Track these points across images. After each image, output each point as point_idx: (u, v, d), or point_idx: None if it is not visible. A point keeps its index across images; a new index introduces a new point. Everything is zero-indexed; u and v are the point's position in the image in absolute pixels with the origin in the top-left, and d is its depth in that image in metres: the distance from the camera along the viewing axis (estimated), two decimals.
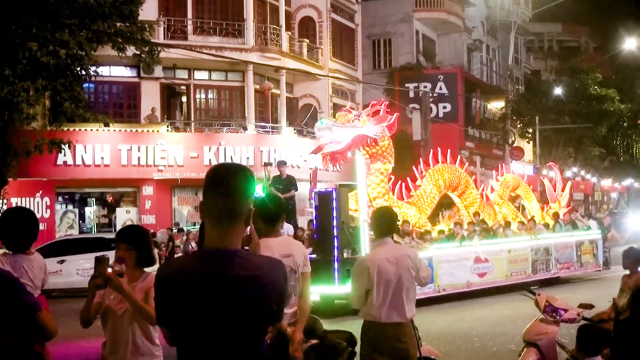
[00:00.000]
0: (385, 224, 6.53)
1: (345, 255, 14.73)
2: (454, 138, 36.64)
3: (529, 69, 56.63)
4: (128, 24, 23.85)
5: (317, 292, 14.33)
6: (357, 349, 7.21)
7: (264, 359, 3.08)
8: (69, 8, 21.39)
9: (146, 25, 25.12)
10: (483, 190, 21.43)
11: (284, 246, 5.86)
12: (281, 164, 18.74)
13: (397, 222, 7.48)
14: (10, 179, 23.29)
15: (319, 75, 34.27)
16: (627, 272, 9.20)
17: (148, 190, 27.14)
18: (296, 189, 18.49)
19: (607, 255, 24.01)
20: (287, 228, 15.90)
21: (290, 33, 33.07)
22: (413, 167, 20.12)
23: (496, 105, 42.71)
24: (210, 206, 3.02)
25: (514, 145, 42.02)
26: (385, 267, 6.11)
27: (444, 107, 37.46)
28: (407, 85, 36.74)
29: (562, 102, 45.51)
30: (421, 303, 11.33)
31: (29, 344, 4.14)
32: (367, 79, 38.16)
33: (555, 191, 23.93)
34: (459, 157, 33.08)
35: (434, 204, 19.02)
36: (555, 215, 22.00)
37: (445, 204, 21.21)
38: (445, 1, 40.61)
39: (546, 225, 21.05)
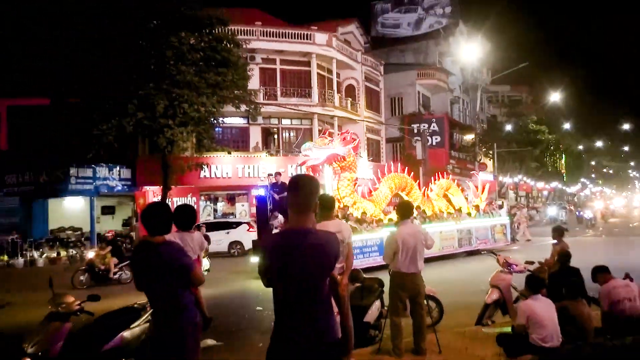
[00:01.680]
0: (405, 211, 6.62)
1: None
2: (442, 158, 36.35)
3: (489, 113, 55.84)
4: (241, 91, 24.17)
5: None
6: (385, 289, 7.25)
7: (326, 295, 3.15)
8: (206, 83, 21.81)
9: (252, 91, 25.49)
10: (424, 190, 20.02)
11: (336, 226, 5.91)
12: (277, 174, 17.16)
13: (413, 211, 7.43)
14: (172, 186, 23.75)
15: (358, 120, 34.27)
16: (555, 242, 9.04)
17: (254, 192, 27.33)
18: (287, 191, 17.41)
19: (514, 235, 23.16)
20: (280, 218, 15.16)
21: (340, 95, 33.13)
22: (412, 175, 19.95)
23: (469, 137, 42.08)
24: (292, 201, 3.16)
25: (480, 162, 41.33)
26: (407, 239, 6.27)
27: (436, 138, 37.04)
28: (412, 125, 36.48)
29: (511, 134, 45.00)
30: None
31: (187, 286, 4.23)
32: (387, 122, 37.98)
33: (477, 190, 22.76)
34: (447, 169, 33.12)
35: (388, 200, 18.10)
36: (476, 207, 20.81)
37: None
38: (436, 72, 40.31)
39: (469, 214, 20.02)
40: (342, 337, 5.98)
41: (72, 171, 23.62)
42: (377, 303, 7.20)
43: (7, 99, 26.49)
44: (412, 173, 19.80)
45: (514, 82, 60.12)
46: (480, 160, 41.60)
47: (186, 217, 5.94)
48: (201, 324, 4.50)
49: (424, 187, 20.53)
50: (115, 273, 14.93)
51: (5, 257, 21.14)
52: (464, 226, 18.82)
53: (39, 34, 20.53)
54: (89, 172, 24.28)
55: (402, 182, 18.68)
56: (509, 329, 6.39)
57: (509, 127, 45.35)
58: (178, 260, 4.10)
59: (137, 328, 5.73)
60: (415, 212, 18.10)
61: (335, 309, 5.86)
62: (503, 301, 7.73)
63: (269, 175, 18.18)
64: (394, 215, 18.28)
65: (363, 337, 6.80)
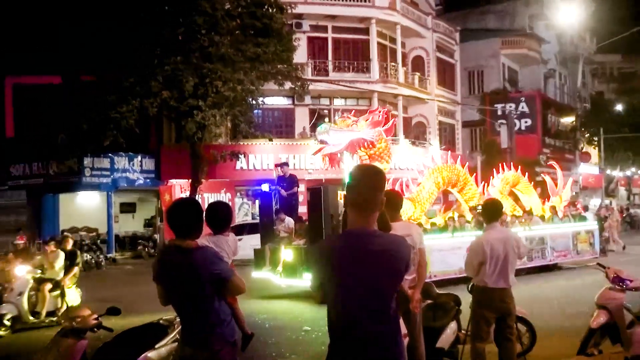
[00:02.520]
0: (493, 212, 6.49)
1: None
2: (533, 146, 35.73)
3: (594, 90, 54.22)
4: (285, 66, 24.28)
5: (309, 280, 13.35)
6: (463, 307, 7.14)
7: (393, 313, 3.10)
8: (243, 56, 21.99)
9: (298, 66, 25.62)
10: (484, 186, 18.82)
11: (405, 228, 5.87)
12: (284, 165, 16.88)
13: (502, 211, 7.25)
14: (203, 180, 24.14)
15: (427, 99, 33.96)
16: None
17: (301, 187, 27.45)
18: (297, 187, 16.39)
19: (605, 244, 21.45)
20: (288, 221, 14.80)
21: (405, 68, 32.87)
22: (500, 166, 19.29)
23: (567, 120, 41.11)
24: (352, 197, 3.11)
25: (582, 151, 40.28)
26: (495, 246, 6.13)
27: (526, 122, 36.39)
28: (495, 105, 35.89)
29: (622, 116, 43.52)
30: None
31: (225, 298, 4.25)
32: (464, 101, 37.47)
33: (556, 187, 21.19)
34: (539, 160, 32.54)
35: (433, 199, 17.06)
36: (552, 209, 19.46)
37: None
38: (525, 40, 39.46)
39: (542, 217, 18.72)
40: None
41: (87, 161, 24.29)
42: (453, 325, 7.09)
43: (13, 77, 27.47)
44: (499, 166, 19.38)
45: (626, 50, 57.84)
46: (583, 148, 40.59)
47: (221, 217, 6.00)
48: (239, 342, 4.50)
49: (483, 183, 19.56)
50: None
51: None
52: (535, 233, 17.38)
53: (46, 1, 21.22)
54: (105, 163, 24.94)
55: (453, 175, 17.60)
56: None
57: (619, 107, 43.93)
58: (215, 269, 4.11)
59: (164, 348, 5.81)
60: (456, 217, 17.21)
61: (404, 330, 5.86)
62: (613, 325, 7.48)
63: (276, 166, 17.68)
64: (439, 219, 17.60)
65: None
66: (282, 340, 9.44)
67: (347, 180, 3.21)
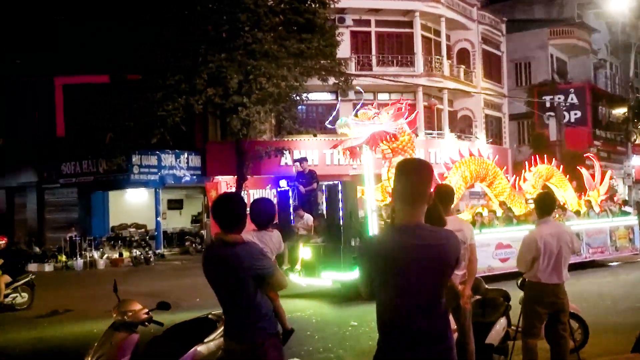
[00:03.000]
0: (546, 206, 6.37)
1: (352, 243, 12.28)
2: (583, 138, 34.94)
3: None
4: (329, 61, 24.29)
5: (328, 277, 12.87)
6: (511, 303, 7.04)
7: (443, 309, 3.09)
8: (286, 52, 22.08)
9: (342, 61, 25.56)
10: (515, 180, 18.28)
11: (456, 223, 5.83)
12: (303, 160, 16.46)
13: (555, 205, 7.10)
14: (248, 176, 24.33)
15: (473, 92, 33.54)
16: None
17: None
18: (317, 182, 15.84)
19: None
20: (307, 218, 14.34)
21: (450, 61, 32.51)
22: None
23: (619, 111, 40.04)
24: (401, 191, 3.09)
25: (635, 143, 39.23)
26: (549, 241, 6.01)
27: (575, 114, 35.63)
28: (544, 97, 35.21)
29: None
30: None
31: (266, 293, 4.31)
32: (511, 94, 36.84)
33: (594, 181, 20.24)
34: (589, 152, 31.72)
35: (460, 194, 16.26)
36: (588, 203, 18.70)
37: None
38: (574, 30, 38.60)
39: (577, 213, 18.01)
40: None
41: (135, 159, 24.77)
42: (503, 321, 6.99)
43: (62, 77, 28.12)
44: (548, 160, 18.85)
45: None
46: (635, 140, 39.47)
47: (264, 213, 6.07)
48: (280, 337, 4.55)
49: (515, 177, 18.91)
50: (6, 295, 13.25)
51: (64, 258, 22.59)
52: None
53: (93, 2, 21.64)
54: (153, 160, 25.38)
55: (482, 169, 16.86)
56: None
57: None
58: (257, 265, 4.19)
59: (213, 342, 5.89)
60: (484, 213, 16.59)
61: (453, 326, 5.81)
62: None
63: (294, 161, 17.22)
64: (465, 216, 16.34)
65: None
66: (329, 335, 9.46)
67: (397, 172, 3.17)
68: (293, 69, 22.67)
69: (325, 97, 29.26)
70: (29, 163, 28.71)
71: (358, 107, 14.13)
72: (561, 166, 19.97)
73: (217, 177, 26.81)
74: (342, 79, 25.29)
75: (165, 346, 5.96)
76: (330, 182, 13.79)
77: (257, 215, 5.94)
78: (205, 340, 6.04)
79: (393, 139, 13.47)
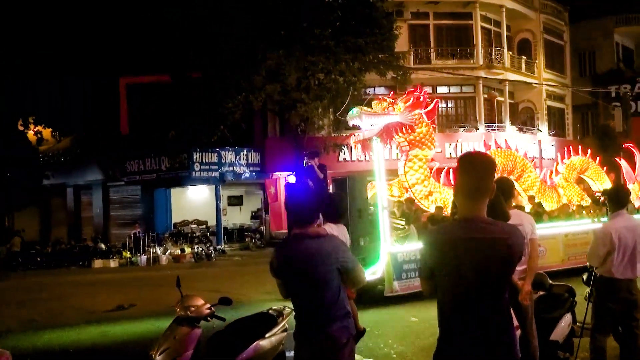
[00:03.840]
0: (620, 198, 6.16)
1: (362, 243, 11.52)
2: None
3: None
4: (387, 55, 24.16)
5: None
6: (576, 299, 6.88)
7: (505, 303, 3.06)
8: (344, 47, 22.08)
9: (400, 55, 25.36)
10: (547, 173, 17.35)
11: (516, 217, 5.71)
12: (313, 154, 15.78)
13: (630, 198, 6.86)
14: None
15: (535, 84, 32.87)
16: None
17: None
18: (325, 177, 15.18)
19: None
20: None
21: (510, 52, 31.92)
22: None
23: None
24: (463, 185, 3.08)
25: None
26: (624, 234, 5.81)
27: None
28: (609, 87, 34.15)
29: None
30: None
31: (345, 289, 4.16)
32: (574, 84, 35.91)
33: (635, 172, 18.93)
34: None
35: None
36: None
37: None
38: None
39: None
40: (524, 357, 5.78)
41: (196, 156, 25.18)
42: (568, 317, 6.84)
43: (126, 77, 28.91)
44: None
45: None
46: None
47: (341, 206, 6.08)
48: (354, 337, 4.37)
49: (547, 170, 17.92)
50: None
51: (128, 254, 23.21)
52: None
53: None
54: (213, 157, 25.75)
55: (509, 162, 15.80)
56: None
57: None
58: (343, 257, 4.02)
59: (274, 337, 5.96)
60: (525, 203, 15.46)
61: (515, 323, 5.71)
62: None
63: (305, 154, 16.58)
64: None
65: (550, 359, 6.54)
66: (389, 331, 9.42)
67: (459, 166, 3.12)
68: (351, 64, 22.65)
69: (383, 91, 29.09)
70: (95, 162, 29.58)
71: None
72: (597, 158, 18.90)
73: (276, 173, 27.00)
74: (400, 72, 25.12)
75: (227, 341, 6.06)
76: (339, 177, 12.81)
77: (335, 209, 5.91)
78: (267, 335, 6.12)
79: (409, 130, 12.73)
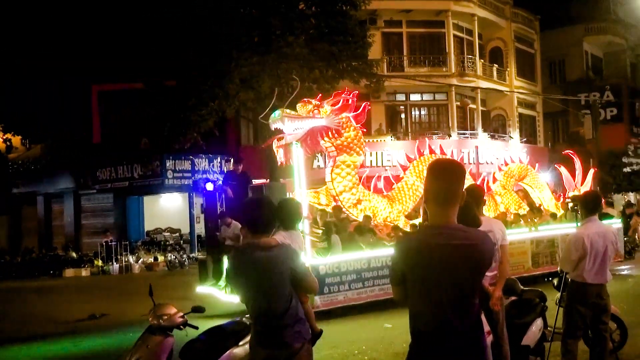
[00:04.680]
0: (592, 205, 6.27)
1: None
2: (620, 136, 34.32)
3: None
4: (360, 63, 24.25)
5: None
6: (547, 303, 6.96)
7: (476, 309, 3.06)
8: (318, 55, 22.13)
9: (373, 62, 25.45)
10: (483, 181, 16.50)
11: (486, 223, 5.74)
12: (238, 161, 14.89)
13: (601, 204, 6.90)
14: (281, 179, 24.35)
15: (506, 91, 33.24)
16: None
17: (379, 184, 27.13)
18: (250, 183, 13.56)
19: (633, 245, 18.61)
20: (234, 226, 12.05)
21: (482, 60, 32.26)
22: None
23: None
24: (432, 191, 3.08)
25: None
26: (595, 240, 5.92)
27: (611, 111, 35.04)
28: (579, 95, 34.66)
29: None
30: None
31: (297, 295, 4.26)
32: (545, 92, 36.38)
33: (574, 180, 18.27)
34: (626, 150, 31.23)
35: (417, 197, 14.22)
36: (564, 206, 16.33)
37: None
38: (610, 26, 37.95)
39: (553, 216, 16.49)
40: None
41: (169, 164, 24.99)
42: (539, 322, 6.90)
43: (97, 85, 28.63)
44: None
45: None
46: None
47: (294, 213, 6.08)
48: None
49: (483, 177, 17.27)
50: None
51: (100, 262, 22.98)
52: (543, 234, 14.66)
53: (126, 7, 21.92)
54: (186, 165, 25.59)
55: None
56: None
57: None
58: (294, 265, 4.18)
59: (248, 345, 5.94)
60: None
61: (486, 328, 5.76)
62: None
63: (227, 161, 15.06)
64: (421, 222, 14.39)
65: None
66: (362, 338, 9.44)
67: (429, 173, 3.13)
68: (325, 71, 22.67)
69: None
70: (66, 170, 29.20)
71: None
72: (536, 165, 18.74)
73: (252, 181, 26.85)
74: (374, 80, 25.22)
75: (201, 349, 6.04)
76: (256, 184, 11.62)
77: (286, 215, 5.94)
78: (240, 343, 6.09)
79: (336, 134, 12.04)
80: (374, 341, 9.10)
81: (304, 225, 10.15)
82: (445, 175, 3.08)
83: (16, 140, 30.50)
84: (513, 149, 30.99)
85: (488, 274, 5.65)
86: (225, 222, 12.45)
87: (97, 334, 11.03)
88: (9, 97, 26.63)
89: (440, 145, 16.65)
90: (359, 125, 12.69)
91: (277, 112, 11.46)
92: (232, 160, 14.31)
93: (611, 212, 18.19)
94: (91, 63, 25.47)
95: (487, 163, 27.59)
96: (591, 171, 19.45)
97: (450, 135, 29.81)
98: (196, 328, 6.20)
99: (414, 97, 30.79)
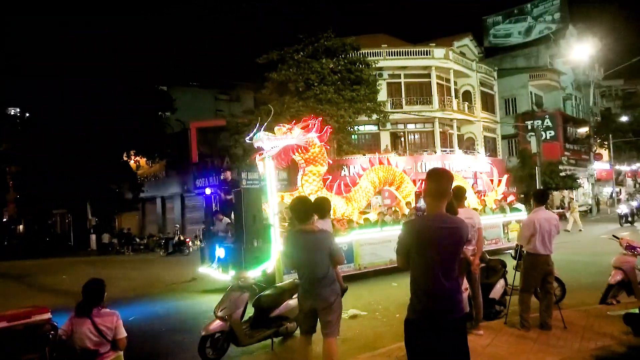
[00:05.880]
0: (541, 197, 6.10)
1: (255, 244, 9.62)
2: (556, 150, 33.41)
3: (602, 107, 49.79)
4: (372, 103, 24.22)
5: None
6: (508, 269, 6.77)
7: (457, 272, 3.04)
8: (343, 98, 22.16)
9: (381, 103, 25.37)
10: (422, 184, 14.42)
11: (469, 212, 5.74)
12: (226, 169, 13.34)
13: (548, 197, 6.72)
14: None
15: (474, 120, 32.68)
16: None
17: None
18: (237, 188, 11.85)
19: None
20: (225, 221, 11.32)
21: (457, 100, 31.78)
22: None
23: (583, 130, 38.17)
24: (430, 189, 3.06)
25: (596, 152, 37.22)
26: (543, 223, 5.76)
27: (550, 133, 34.03)
28: (526, 122, 33.86)
29: (627, 125, 39.86)
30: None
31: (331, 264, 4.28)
32: (502, 121, 35.69)
33: (492, 184, 17.45)
34: (561, 161, 30.26)
35: (369, 197, 13.61)
36: (483, 202, 15.60)
37: None
38: (548, 73, 37.11)
39: (474, 209, 14.90)
40: (473, 310, 5.70)
41: (243, 175, 25.05)
42: (502, 282, 6.73)
43: (195, 122, 29.14)
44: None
45: (628, 75, 53.08)
46: (596, 150, 37.50)
47: (327, 206, 6.06)
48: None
49: (421, 181, 15.27)
50: None
51: (198, 243, 23.16)
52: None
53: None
54: (256, 175, 25.57)
55: (389, 175, 14.09)
56: (635, 310, 5.60)
57: (624, 119, 40.27)
58: (332, 245, 4.20)
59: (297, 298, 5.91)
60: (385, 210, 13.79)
61: (465, 285, 5.63)
62: (628, 282, 6.83)
63: (222, 169, 14.09)
64: (372, 216, 13.50)
65: (489, 312, 6.44)
66: (376, 292, 9.32)
67: (427, 178, 3.08)
68: (348, 110, 22.67)
69: (370, 128, 29.11)
70: (175, 180, 29.74)
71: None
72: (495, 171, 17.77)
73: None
74: (382, 115, 25.21)
75: (267, 301, 6.03)
76: (237, 189, 10.61)
77: (322, 208, 5.88)
78: (293, 297, 6.09)
79: (304, 150, 11.45)
80: (386, 295, 8.99)
81: (274, 220, 9.52)
82: (440, 179, 3.07)
83: (142, 161, 31.11)
84: (480, 161, 30.49)
85: (469, 247, 5.53)
86: (218, 218, 11.66)
87: (194, 292, 11.04)
88: (137, 132, 27.13)
89: (387, 158, 15.18)
90: (322, 143, 11.77)
91: (258, 134, 10.53)
92: (223, 170, 12.92)
93: (518, 207, 16.17)
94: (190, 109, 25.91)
95: (462, 170, 27.10)
96: (505, 177, 18.46)
97: (435, 152, 29.42)
98: (264, 287, 6.18)
99: (410, 126, 30.48)
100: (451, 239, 2.95)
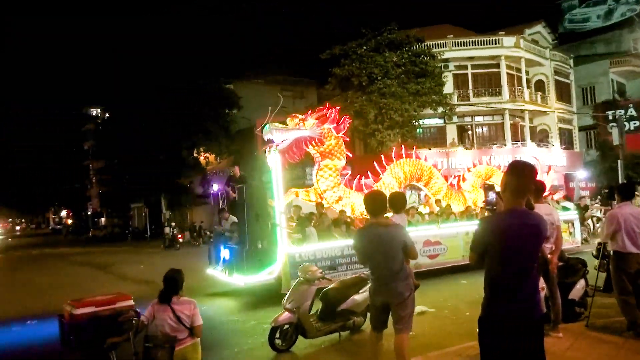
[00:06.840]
0: (627, 191, 5.66)
1: (259, 246, 8.72)
2: None
3: None
4: (438, 96, 23.69)
5: (239, 280, 8.92)
6: (589, 269, 6.39)
7: (535, 271, 2.89)
8: (407, 92, 21.86)
9: (447, 95, 24.73)
10: (454, 179, 14.05)
11: (547, 208, 5.46)
12: (236, 166, 12.02)
13: (634, 192, 6.14)
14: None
15: (548, 111, 31.00)
16: None
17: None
18: (245, 184, 10.60)
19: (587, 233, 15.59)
20: (231, 220, 10.54)
21: (529, 90, 30.28)
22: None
23: None
24: (511, 185, 2.88)
25: None
26: (628, 218, 5.34)
27: (634, 123, 31.59)
28: (607, 112, 31.64)
29: None
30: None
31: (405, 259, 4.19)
32: (580, 111, 33.59)
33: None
34: None
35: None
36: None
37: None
38: (631, 59, 34.41)
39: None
40: (551, 311, 5.41)
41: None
42: (582, 282, 6.35)
43: (261, 119, 29.74)
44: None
45: None
46: None
47: (401, 200, 5.97)
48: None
49: (454, 176, 14.55)
50: None
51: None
52: None
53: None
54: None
55: (416, 170, 12.78)
56: None
57: None
58: (406, 239, 4.12)
59: (365, 293, 5.90)
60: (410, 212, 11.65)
61: (541, 284, 5.36)
62: None
63: (230, 167, 13.58)
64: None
65: (569, 313, 6.07)
66: (444, 289, 9.11)
67: (508, 172, 2.89)
68: (412, 103, 22.31)
69: (435, 121, 28.41)
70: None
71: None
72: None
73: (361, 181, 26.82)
74: (448, 108, 24.57)
75: (334, 295, 6.07)
76: (239, 185, 9.71)
77: (397, 203, 5.79)
78: (360, 292, 6.10)
79: (319, 143, 10.35)
80: (454, 292, 8.76)
81: (280, 219, 8.64)
82: (522, 174, 2.88)
83: (211, 157, 32.30)
84: (554, 154, 28.91)
85: (547, 245, 5.27)
86: (224, 217, 10.99)
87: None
88: (206, 130, 28.18)
89: (414, 149, 13.88)
90: (340, 134, 10.71)
91: (267, 126, 9.51)
92: (233, 166, 12.10)
93: (567, 205, 14.79)
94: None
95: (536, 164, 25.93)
96: (551, 171, 17.02)
97: (505, 145, 28.27)
98: (330, 280, 6.22)
99: (478, 119, 29.42)
100: (532, 236, 2.82)
